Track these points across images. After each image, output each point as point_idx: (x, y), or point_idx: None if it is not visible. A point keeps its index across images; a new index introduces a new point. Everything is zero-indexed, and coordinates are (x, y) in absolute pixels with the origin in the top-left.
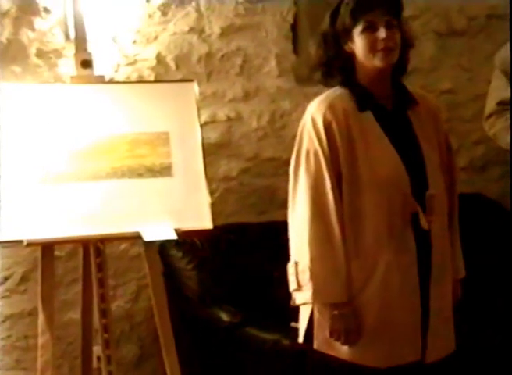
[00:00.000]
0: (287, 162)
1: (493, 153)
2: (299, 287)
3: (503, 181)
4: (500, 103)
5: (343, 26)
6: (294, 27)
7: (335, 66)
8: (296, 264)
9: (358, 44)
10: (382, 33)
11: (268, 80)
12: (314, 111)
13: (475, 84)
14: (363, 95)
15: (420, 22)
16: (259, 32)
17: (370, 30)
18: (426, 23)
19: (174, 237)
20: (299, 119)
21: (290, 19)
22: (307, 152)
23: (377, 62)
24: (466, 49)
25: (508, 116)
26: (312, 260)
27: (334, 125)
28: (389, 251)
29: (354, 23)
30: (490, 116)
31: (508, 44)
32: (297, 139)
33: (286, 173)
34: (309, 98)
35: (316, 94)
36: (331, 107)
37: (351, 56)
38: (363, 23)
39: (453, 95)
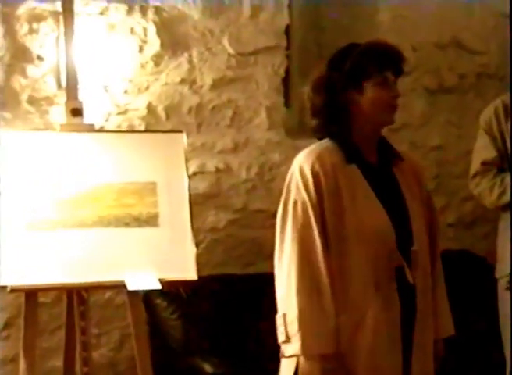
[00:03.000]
0: (275, 215)
1: (481, 210)
2: (288, 339)
3: (490, 238)
4: (484, 163)
5: (354, 76)
6: (285, 81)
7: (332, 114)
8: (284, 315)
9: (370, 96)
10: (395, 90)
11: (258, 132)
12: (303, 161)
13: (465, 141)
14: (351, 149)
15: (411, 78)
16: (250, 84)
17: (383, 85)
18: (417, 79)
19: (158, 286)
20: (288, 171)
21: (282, 72)
22: (295, 202)
23: (387, 118)
24: (456, 106)
25: (491, 176)
26: (301, 311)
27: (322, 176)
28: (376, 305)
29: (369, 76)
30: (475, 175)
31: (491, 106)
32: (285, 189)
33: (274, 226)
34: (299, 151)
35: (306, 148)
36: (319, 158)
37: (350, 106)
38: (379, 77)
39: (443, 152)
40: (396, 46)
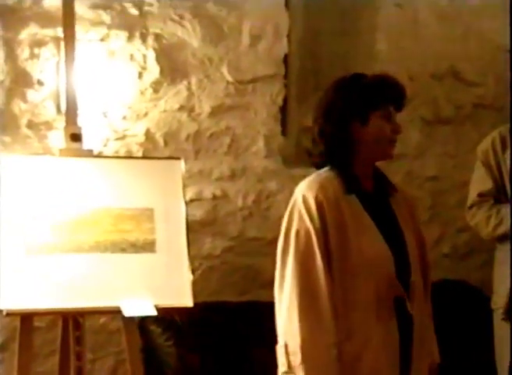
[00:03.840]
0: (271, 242)
1: (477, 241)
2: (289, 370)
3: (486, 269)
4: (481, 194)
5: (360, 107)
6: (283, 109)
7: (339, 142)
8: (285, 346)
9: (374, 129)
10: (397, 125)
11: (256, 160)
12: (306, 191)
13: (460, 172)
14: (351, 178)
15: (407, 108)
16: (248, 112)
17: (387, 119)
18: (414, 109)
19: (154, 313)
20: (285, 200)
21: (280, 101)
22: (297, 232)
23: (388, 152)
24: (452, 137)
25: (487, 208)
26: (303, 342)
27: (326, 206)
28: (377, 335)
29: (375, 108)
30: (472, 206)
31: (488, 137)
32: (286, 218)
33: (270, 253)
34: (296, 180)
35: (303, 177)
36: (322, 188)
37: (353, 136)
38: (384, 110)
39: (438, 182)
40: (399, 81)
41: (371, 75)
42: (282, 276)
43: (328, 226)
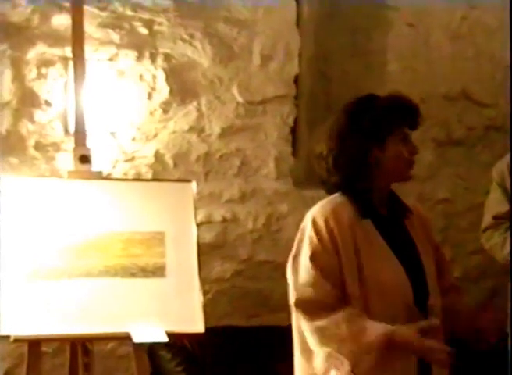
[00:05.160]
0: (282, 266)
1: (488, 264)
2: None
3: (497, 292)
4: (496, 217)
5: (377, 131)
6: (294, 130)
7: (358, 170)
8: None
9: (392, 153)
10: (414, 146)
11: (266, 182)
12: (316, 215)
13: (472, 194)
14: (365, 204)
15: (419, 130)
16: (259, 134)
17: (404, 141)
18: (425, 131)
19: (165, 339)
20: (295, 222)
21: (290, 122)
22: (312, 256)
23: (407, 174)
24: (464, 159)
25: (503, 230)
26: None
27: (336, 231)
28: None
29: (391, 132)
30: (487, 229)
31: (504, 159)
32: (296, 244)
33: (280, 277)
34: (306, 202)
35: (314, 198)
36: (334, 213)
37: (371, 162)
38: (400, 133)
39: (450, 204)
40: (412, 100)
41: (382, 97)
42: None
43: (341, 253)
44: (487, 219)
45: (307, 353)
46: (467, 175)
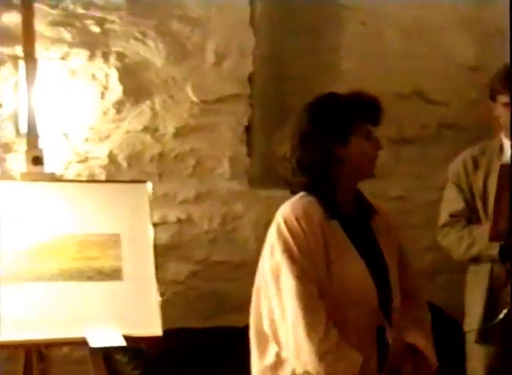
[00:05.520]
0: (237, 266)
1: (442, 261)
2: None
3: (450, 289)
4: (452, 215)
5: (339, 130)
6: (248, 130)
7: (323, 170)
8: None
9: (356, 150)
10: (378, 142)
11: (221, 182)
12: (288, 214)
13: (426, 191)
14: (331, 204)
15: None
16: (213, 133)
17: (367, 138)
18: (379, 129)
19: (123, 343)
20: (251, 222)
21: (245, 121)
22: (290, 257)
23: (372, 169)
24: (417, 157)
25: (459, 228)
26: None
27: (308, 232)
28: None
29: (354, 129)
30: (443, 227)
31: (460, 157)
32: (271, 245)
33: (236, 278)
34: (262, 202)
35: (269, 198)
36: (305, 213)
37: (336, 160)
38: (363, 129)
39: (404, 202)
40: (374, 97)
41: (343, 95)
42: (281, 302)
43: (313, 253)
44: (443, 217)
45: (262, 348)
46: (420, 173)
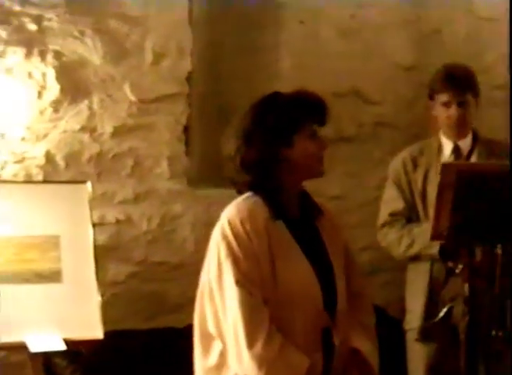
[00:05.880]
0: (176, 267)
1: (380, 260)
2: None
3: (389, 288)
4: (392, 214)
5: (282, 130)
6: (187, 129)
7: (267, 170)
8: None
9: (300, 150)
10: (323, 142)
11: (160, 181)
12: (232, 216)
13: (363, 190)
14: (276, 205)
15: None
16: (152, 133)
17: (312, 137)
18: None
19: (63, 347)
20: (190, 222)
21: (184, 120)
22: (233, 260)
23: (320, 168)
24: (354, 156)
25: (399, 227)
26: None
27: (252, 233)
28: None
29: (298, 129)
30: (383, 226)
31: (399, 156)
32: (215, 246)
33: (176, 278)
34: (200, 201)
35: (208, 198)
36: (250, 214)
37: (280, 160)
38: (308, 130)
39: (341, 201)
40: (320, 96)
41: (288, 94)
42: (223, 305)
43: (258, 255)
44: (383, 217)
45: (206, 348)
46: (357, 172)
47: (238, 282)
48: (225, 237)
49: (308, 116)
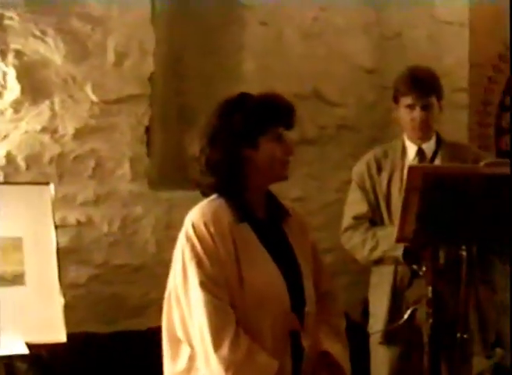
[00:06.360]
0: (137, 269)
1: (342, 262)
2: None
3: (350, 290)
4: (356, 217)
5: (248, 132)
6: (148, 130)
7: (231, 171)
8: None
9: (265, 153)
10: (289, 146)
11: (121, 183)
12: (196, 219)
13: (324, 193)
14: (241, 207)
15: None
16: (113, 134)
17: (278, 140)
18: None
19: (25, 351)
20: (151, 224)
21: (145, 121)
22: (197, 263)
23: (284, 172)
24: (316, 158)
25: (363, 230)
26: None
27: (216, 236)
28: None
29: (264, 131)
30: (347, 229)
31: (363, 159)
32: (181, 250)
33: (137, 281)
34: (161, 203)
35: (169, 200)
36: (214, 217)
37: (244, 162)
38: (274, 133)
39: (303, 203)
40: (287, 100)
41: (255, 96)
42: (189, 309)
43: (222, 258)
44: (347, 220)
45: (174, 352)
46: (319, 174)
47: (202, 284)
48: (189, 240)
49: (275, 119)
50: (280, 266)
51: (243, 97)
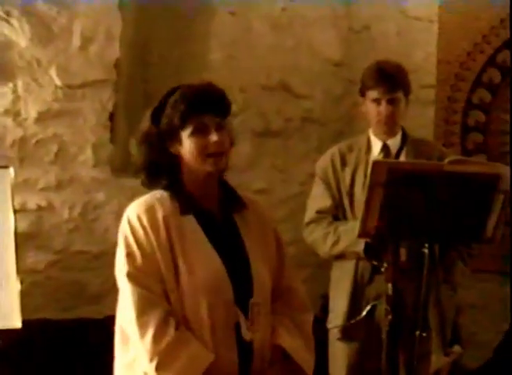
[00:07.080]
0: (97, 256)
1: (303, 255)
2: None
3: (310, 284)
4: (319, 211)
5: (170, 127)
6: (113, 116)
7: (160, 169)
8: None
9: (187, 147)
10: (213, 136)
11: (84, 169)
12: (132, 211)
13: (288, 185)
14: (186, 199)
15: (238, 120)
16: (77, 119)
17: (200, 132)
18: (244, 121)
19: None
20: (113, 211)
21: (110, 107)
22: (127, 255)
23: (208, 166)
24: (281, 150)
25: (325, 224)
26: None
27: (149, 229)
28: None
29: (183, 125)
30: (309, 223)
31: (328, 154)
32: (119, 242)
33: (96, 268)
34: (124, 190)
35: (132, 187)
36: (148, 209)
37: (177, 158)
38: (193, 126)
39: (267, 195)
40: (213, 86)
41: (178, 91)
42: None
43: (155, 249)
44: (310, 214)
45: (124, 344)
46: (283, 166)
47: (129, 275)
48: (123, 232)
49: (195, 109)
50: (225, 257)
51: (175, 90)
